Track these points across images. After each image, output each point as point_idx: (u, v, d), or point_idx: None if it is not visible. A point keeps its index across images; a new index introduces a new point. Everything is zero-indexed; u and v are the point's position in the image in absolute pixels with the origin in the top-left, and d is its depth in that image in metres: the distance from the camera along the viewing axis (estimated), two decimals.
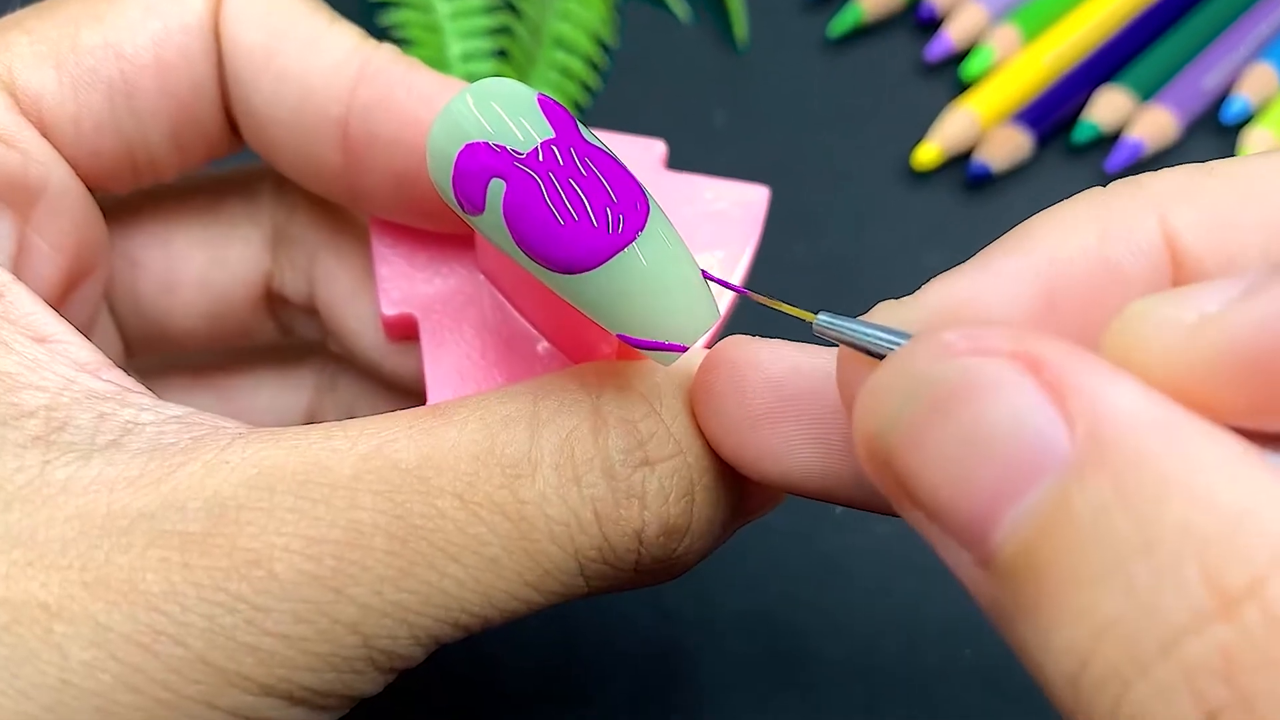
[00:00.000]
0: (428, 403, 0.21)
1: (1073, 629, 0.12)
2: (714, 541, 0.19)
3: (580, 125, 0.17)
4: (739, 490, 0.19)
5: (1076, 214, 0.16)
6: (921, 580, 0.30)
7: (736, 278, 0.22)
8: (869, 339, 0.15)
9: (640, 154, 0.23)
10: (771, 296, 0.18)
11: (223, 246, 0.25)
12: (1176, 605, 0.11)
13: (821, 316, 0.16)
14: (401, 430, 0.18)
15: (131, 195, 0.24)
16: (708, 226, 0.22)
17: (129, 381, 0.19)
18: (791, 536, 0.31)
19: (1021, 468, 0.12)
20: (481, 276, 0.22)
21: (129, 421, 0.18)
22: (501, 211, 0.17)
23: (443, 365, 0.22)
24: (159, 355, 0.26)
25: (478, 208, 0.17)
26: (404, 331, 0.23)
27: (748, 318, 0.22)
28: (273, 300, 0.26)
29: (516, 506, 0.17)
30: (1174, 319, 0.13)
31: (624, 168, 0.17)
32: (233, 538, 0.16)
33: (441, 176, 0.17)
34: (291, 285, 0.25)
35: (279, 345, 0.28)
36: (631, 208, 0.17)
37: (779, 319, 0.19)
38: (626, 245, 0.16)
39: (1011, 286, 0.15)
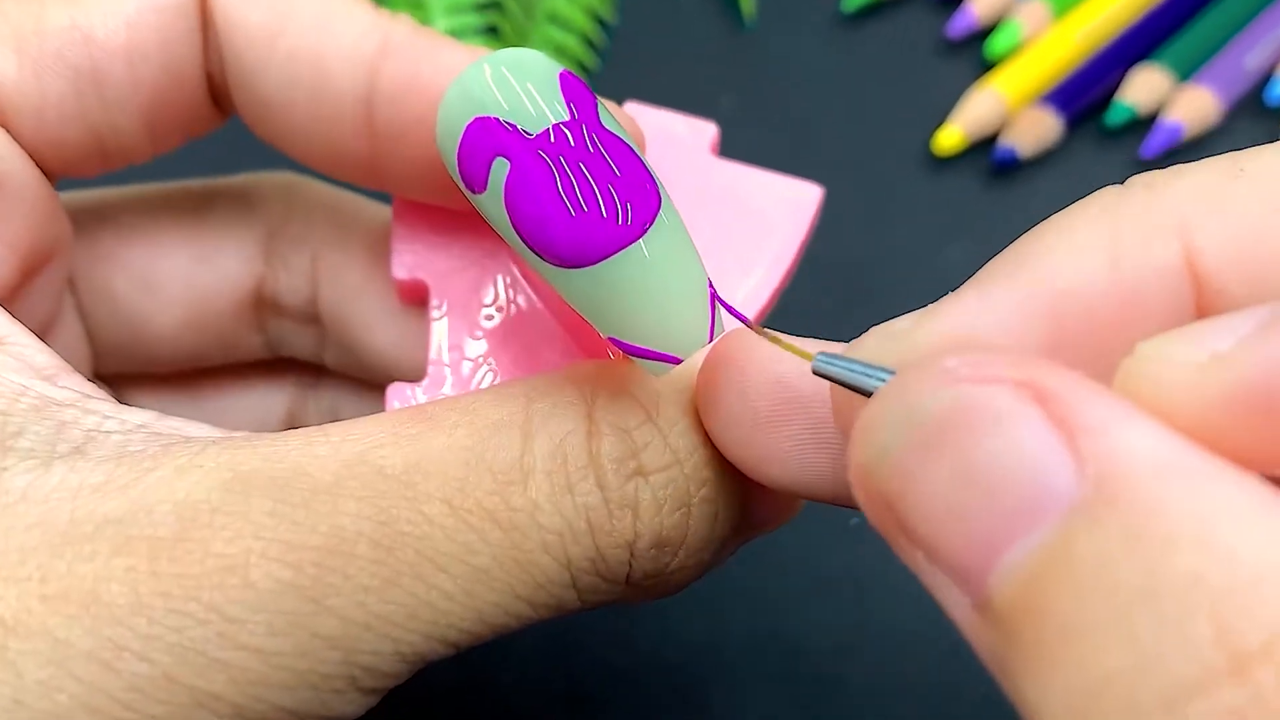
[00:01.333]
0: (428, 365, 0.22)
1: (1071, 680, 0.11)
2: (714, 556, 0.19)
3: (601, 108, 0.17)
4: (743, 503, 0.19)
5: (1086, 230, 0.15)
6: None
7: (772, 281, 0.22)
8: (869, 380, 0.15)
9: (688, 136, 0.23)
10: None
11: (210, 245, 0.25)
12: (1184, 661, 0.11)
13: (820, 357, 0.15)
14: (387, 435, 0.17)
15: (115, 192, 0.24)
16: (749, 223, 0.22)
17: (89, 387, 0.19)
18: (803, 550, 0.30)
19: (1024, 507, 0.12)
20: (504, 255, 0.22)
21: (91, 430, 0.17)
22: (502, 193, 0.16)
23: (448, 334, 0.22)
24: (131, 366, 0.26)
25: (480, 186, 0.17)
26: (416, 295, 0.23)
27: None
28: (263, 308, 0.25)
29: (508, 514, 0.17)
30: (1185, 360, 0.13)
31: (639, 159, 0.17)
32: (206, 543, 0.16)
33: (448, 148, 0.17)
34: (287, 288, 0.25)
35: (258, 361, 0.27)
36: (641, 203, 0.16)
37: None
38: (630, 243, 0.16)
39: (1014, 318, 0.15)
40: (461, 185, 0.17)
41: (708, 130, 0.23)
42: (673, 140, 0.23)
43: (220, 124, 0.23)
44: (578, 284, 0.17)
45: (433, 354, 0.22)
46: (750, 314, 0.21)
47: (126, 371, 0.26)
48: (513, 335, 0.22)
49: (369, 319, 0.25)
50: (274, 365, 0.27)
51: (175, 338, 0.25)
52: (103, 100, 0.21)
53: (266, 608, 0.16)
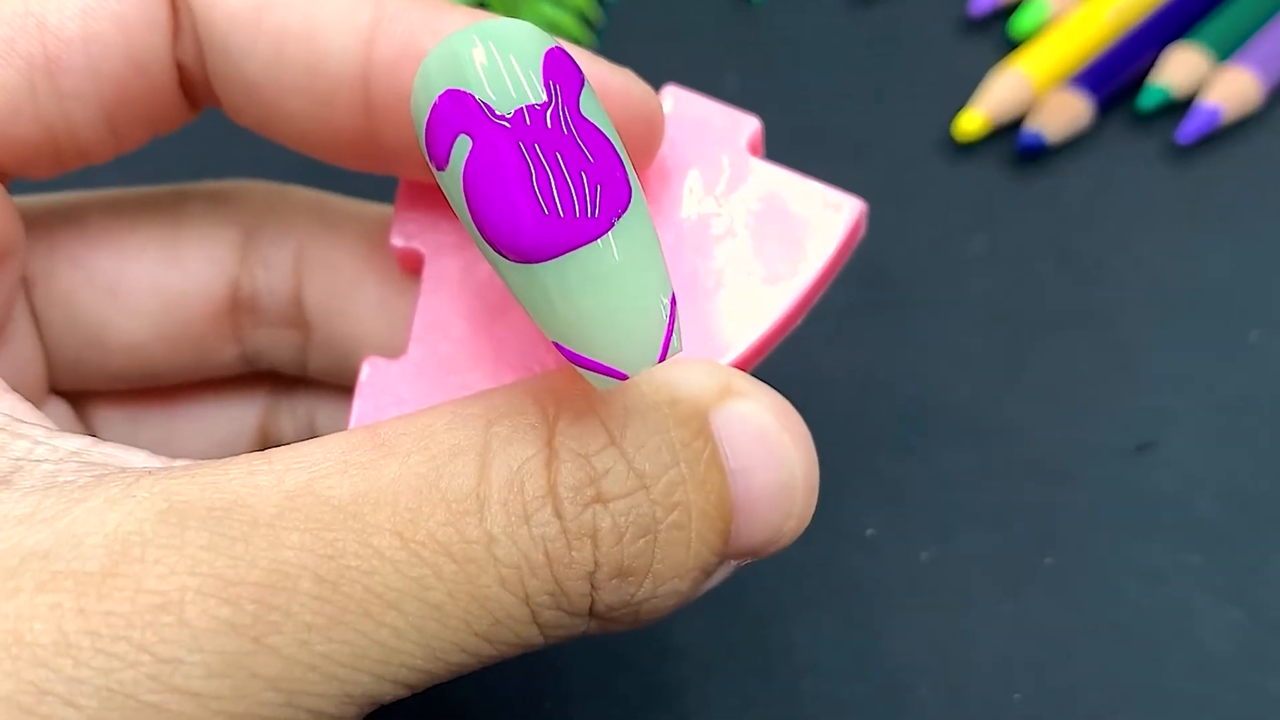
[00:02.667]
0: (409, 342, 0.22)
1: None
2: (693, 584, 0.19)
3: (586, 93, 0.17)
4: (726, 527, 0.19)
5: None
6: (966, 614, 0.29)
7: (791, 296, 0.21)
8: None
9: (725, 129, 0.22)
10: None
11: (180, 246, 0.24)
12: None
13: None
14: (335, 464, 0.17)
15: (77, 194, 0.24)
16: (777, 231, 0.21)
17: (23, 408, 0.18)
18: (812, 562, 0.30)
19: None
20: None
21: (19, 458, 0.17)
22: (461, 173, 0.16)
23: (434, 312, 0.22)
24: (93, 381, 0.25)
25: (442, 162, 0.16)
26: (411, 266, 0.23)
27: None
28: (239, 313, 0.25)
29: (463, 546, 0.17)
30: None
31: (615, 152, 0.17)
32: (138, 578, 0.16)
33: (419, 119, 0.17)
34: (266, 288, 0.25)
35: (229, 375, 0.27)
36: (609, 200, 0.16)
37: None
38: (589, 241, 0.16)
39: None
40: (427, 159, 0.17)
41: (749, 125, 0.22)
42: (707, 132, 0.22)
43: (190, 118, 0.22)
44: (526, 280, 0.16)
45: (415, 329, 0.22)
46: (763, 325, 0.21)
47: (88, 387, 0.25)
48: (499, 321, 0.22)
49: (360, 312, 0.24)
50: (246, 377, 0.27)
51: (142, 348, 0.24)
52: (58, 92, 0.20)
53: (203, 647, 0.16)
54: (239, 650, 0.16)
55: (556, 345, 0.17)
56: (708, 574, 0.19)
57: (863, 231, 0.22)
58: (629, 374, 0.17)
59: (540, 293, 0.16)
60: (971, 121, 0.36)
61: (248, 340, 0.25)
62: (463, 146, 0.16)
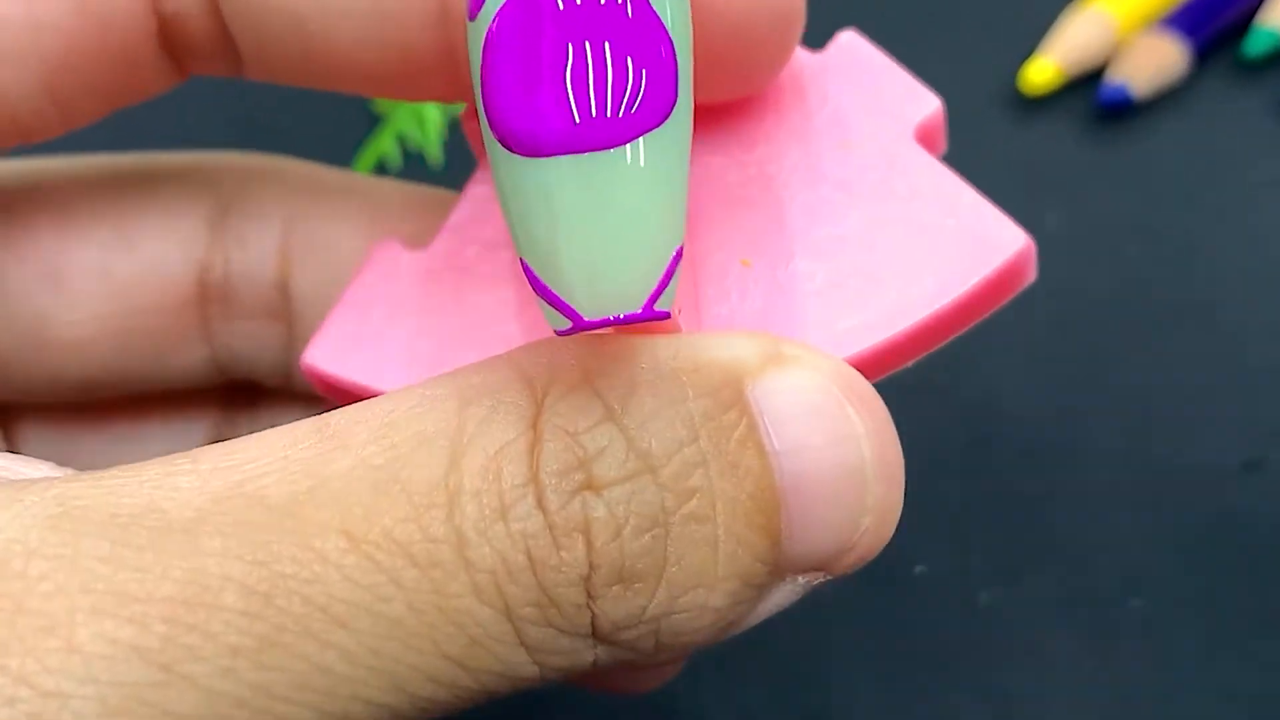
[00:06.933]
0: (438, 234, 0.22)
1: None
2: (730, 601, 0.17)
3: None
4: (772, 525, 0.17)
5: None
6: (1034, 670, 0.28)
7: (892, 325, 0.20)
8: None
9: (895, 100, 0.21)
10: None
11: (138, 224, 0.24)
12: None
13: None
14: (275, 461, 0.17)
15: (14, 164, 0.23)
16: (927, 242, 0.20)
17: None
18: (847, 605, 0.28)
19: None
20: None
21: None
22: (487, 27, 0.16)
23: (476, 205, 0.22)
24: (28, 389, 0.24)
25: (474, 10, 0.16)
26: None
27: None
28: (208, 303, 0.24)
29: (427, 548, 0.16)
30: None
31: (673, 59, 0.16)
32: (18, 597, 0.15)
33: None
34: (243, 272, 0.24)
35: (185, 386, 0.26)
36: (647, 108, 0.16)
37: None
38: (604, 146, 0.16)
39: None
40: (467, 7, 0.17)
41: (928, 104, 0.21)
42: (875, 99, 0.21)
43: (167, 86, 0.22)
44: (516, 173, 0.16)
45: (450, 221, 0.22)
46: (843, 352, 0.19)
47: (17, 396, 0.25)
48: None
49: None
50: (201, 392, 0.26)
51: (87, 346, 0.24)
52: None
53: (97, 678, 0.15)
54: (145, 681, 0.15)
55: (523, 265, 0.16)
56: (755, 588, 0.18)
57: (1030, 277, 0.21)
58: (587, 317, 0.16)
59: (524, 193, 0.16)
60: (1042, 71, 0.36)
61: (218, 337, 0.25)
62: None
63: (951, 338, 0.21)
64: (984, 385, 0.32)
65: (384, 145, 0.35)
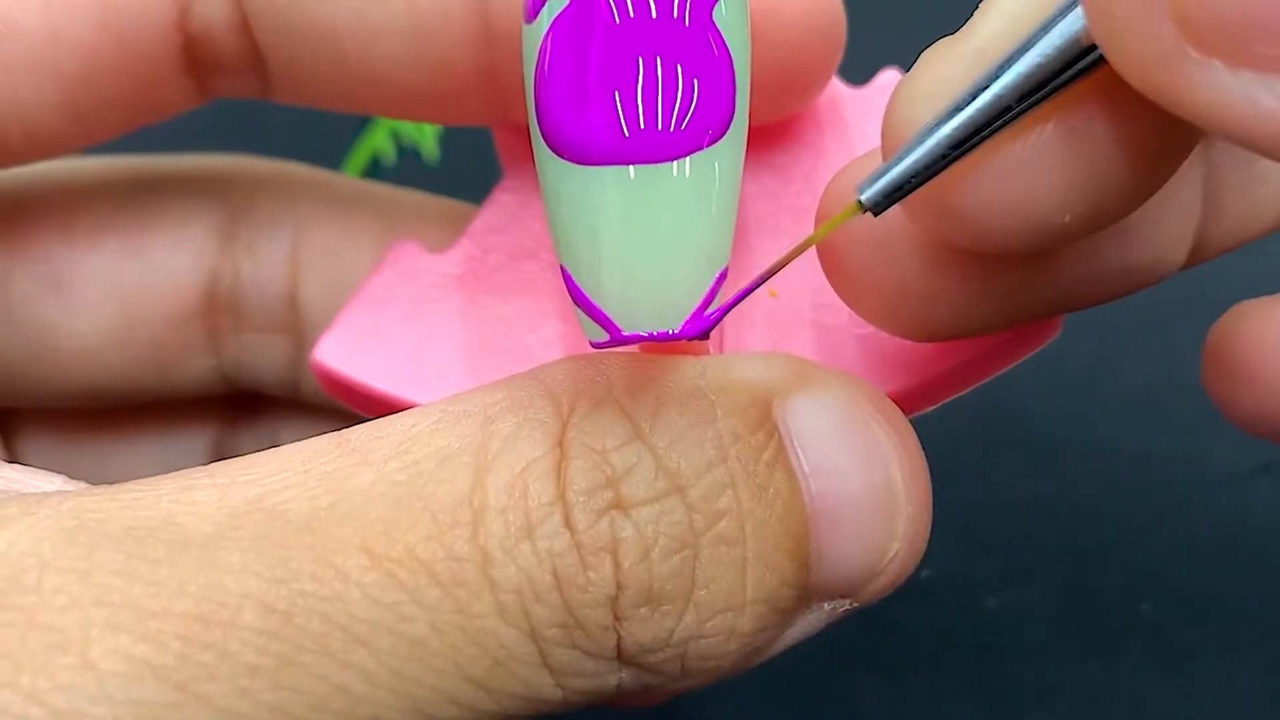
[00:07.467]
0: (463, 235, 0.22)
1: None
2: (757, 624, 0.17)
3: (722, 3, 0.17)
4: (800, 549, 0.17)
5: None
6: (1043, 675, 0.28)
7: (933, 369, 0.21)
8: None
9: None
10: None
11: (146, 231, 0.24)
12: None
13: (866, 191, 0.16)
14: (294, 475, 0.17)
15: (22, 170, 0.23)
16: None
17: None
18: (857, 609, 0.29)
19: None
20: None
21: None
22: (545, 32, 0.16)
23: (506, 209, 0.22)
24: (33, 396, 0.25)
25: (532, 13, 0.16)
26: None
27: None
28: (217, 313, 0.25)
29: (450, 566, 0.16)
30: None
31: (732, 78, 0.17)
32: (30, 611, 0.15)
33: None
34: (253, 282, 0.24)
35: (188, 396, 0.26)
36: (700, 123, 0.16)
37: None
38: (656, 160, 0.16)
39: None
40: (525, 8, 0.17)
41: None
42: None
43: (191, 105, 0.22)
44: (564, 179, 0.16)
45: (476, 222, 0.22)
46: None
47: (21, 403, 0.25)
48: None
49: None
50: (207, 400, 0.26)
51: (93, 356, 0.24)
52: (1, 66, 0.20)
53: (111, 697, 0.15)
54: (159, 700, 0.15)
55: (563, 273, 0.17)
56: (781, 613, 0.18)
57: (1056, 331, 0.21)
58: (624, 330, 0.16)
59: (569, 200, 0.16)
60: None
61: (226, 349, 0.25)
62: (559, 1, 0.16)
63: (986, 379, 0.21)
64: (991, 387, 0.32)
65: (378, 140, 0.35)
